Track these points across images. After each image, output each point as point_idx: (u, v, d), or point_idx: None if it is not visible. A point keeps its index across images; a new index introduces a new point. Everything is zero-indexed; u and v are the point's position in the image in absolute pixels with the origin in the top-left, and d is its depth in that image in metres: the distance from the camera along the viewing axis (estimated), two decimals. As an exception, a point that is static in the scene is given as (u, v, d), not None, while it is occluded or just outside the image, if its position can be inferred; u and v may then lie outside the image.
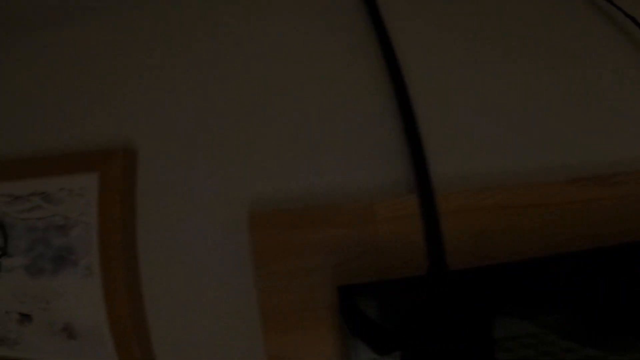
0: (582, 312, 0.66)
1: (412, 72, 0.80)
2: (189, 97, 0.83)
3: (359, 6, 0.85)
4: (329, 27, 0.86)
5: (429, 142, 0.77)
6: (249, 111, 0.82)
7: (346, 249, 0.75)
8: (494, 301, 0.68)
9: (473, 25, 0.86)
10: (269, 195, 0.80)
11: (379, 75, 0.82)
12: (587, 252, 0.70)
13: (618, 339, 0.64)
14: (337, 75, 0.83)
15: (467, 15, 0.87)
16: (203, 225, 0.80)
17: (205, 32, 0.86)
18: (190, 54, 0.85)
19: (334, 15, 0.86)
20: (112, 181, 0.78)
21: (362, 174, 0.80)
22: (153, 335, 0.79)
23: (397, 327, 0.64)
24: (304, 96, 0.82)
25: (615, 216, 0.76)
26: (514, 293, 0.68)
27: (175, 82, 0.84)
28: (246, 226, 0.77)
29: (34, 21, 0.91)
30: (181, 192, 0.80)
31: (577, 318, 0.67)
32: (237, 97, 0.83)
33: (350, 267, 0.74)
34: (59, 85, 0.86)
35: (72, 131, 0.82)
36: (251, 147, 0.81)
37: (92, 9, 0.89)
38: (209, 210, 0.80)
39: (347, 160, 0.81)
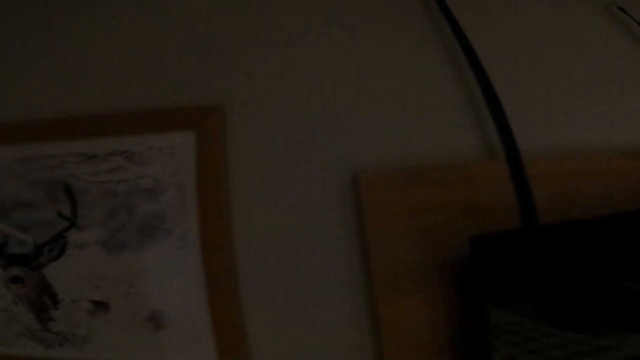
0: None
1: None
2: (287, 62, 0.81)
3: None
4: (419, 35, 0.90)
5: (514, 116, 0.84)
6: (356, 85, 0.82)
7: (449, 208, 0.77)
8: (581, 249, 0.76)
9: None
10: (369, 159, 0.80)
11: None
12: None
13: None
14: (433, 63, 0.89)
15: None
16: (302, 189, 0.77)
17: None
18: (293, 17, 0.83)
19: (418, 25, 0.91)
20: (212, 140, 0.72)
21: (455, 140, 0.85)
22: (247, 309, 0.72)
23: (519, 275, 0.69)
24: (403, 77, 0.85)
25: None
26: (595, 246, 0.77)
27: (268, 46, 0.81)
28: (350, 189, 0.77)
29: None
30: (278, 155, 0.77)
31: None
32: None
33: (454, 227, 0.77)
34: (153, 42, 0.77)
35: (161, 87, 0.74)
36: (353, 113, 0.81)
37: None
38: (308, 174, 0.77)
39: (441, 129, 0.85)
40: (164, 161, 0.71)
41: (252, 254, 0.73)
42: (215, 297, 0.68)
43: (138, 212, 0.70)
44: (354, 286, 0.75)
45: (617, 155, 0.89)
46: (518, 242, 0.71)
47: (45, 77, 0.75)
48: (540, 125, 0.90)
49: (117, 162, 0.70)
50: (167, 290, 0.68)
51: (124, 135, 0.71)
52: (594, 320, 0.75)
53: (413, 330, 0.73)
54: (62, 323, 0.68)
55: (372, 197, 0.73)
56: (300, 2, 0.85)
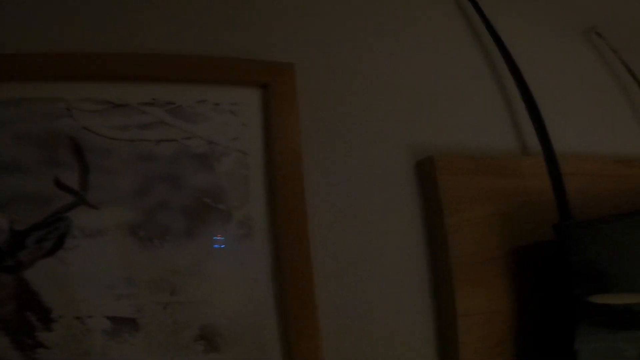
0: None
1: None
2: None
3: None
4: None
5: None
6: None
7: (506, 197, 0.75)
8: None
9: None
10: (428, 146, 0.74)
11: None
12: None
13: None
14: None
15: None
16: (369, 168, 0.66)
17: None
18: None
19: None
20: (285, 100, 0.58)
21: (503, 136, 0.85)
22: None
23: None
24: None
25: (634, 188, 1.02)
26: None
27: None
28: (415, 175, 0.69)
29: None
30: (345, 128, 0.65)
31: None
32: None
33: (515, 216, 0.75)
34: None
35: (224, 35, 0.55)
36: (419, 99, 0.76)
37: None
38: (373, 152, 0.67)
39: (486, 125, 0.84)
40: (223, 120, 0.54)
41: (322, 242, 0.59)
42: (290, 301, 0.52)
43: (186, 185, 0.51)
44: (422, 278, 0.65)
45: (612, 161, 1.00)
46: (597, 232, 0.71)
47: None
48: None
49: (156, 115, 0.51)
50: (225, 297, 0.50)
51: (168, 82, 0.53)
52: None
53: (484, 322, 0.67)
54: (58, 350, 0.44)
55: (450, 181, 0.67)
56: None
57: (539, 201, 0.79)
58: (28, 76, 0.47)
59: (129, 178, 0.48)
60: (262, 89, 0.57)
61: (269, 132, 0.55)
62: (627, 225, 0.72)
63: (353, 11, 0.75)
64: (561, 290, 0.65)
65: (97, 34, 0.52)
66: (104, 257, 0.47)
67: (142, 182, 0.48)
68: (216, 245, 0.50)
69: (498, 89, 0.92)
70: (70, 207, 0.46)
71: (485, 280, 0.68)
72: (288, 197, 0.54)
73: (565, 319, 0.65)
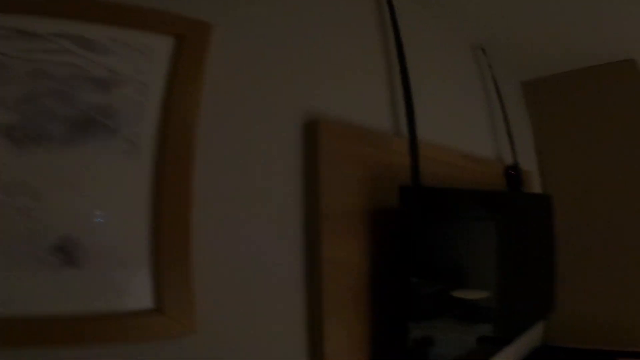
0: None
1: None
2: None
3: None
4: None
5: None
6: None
7: (376, 167, 0.92)
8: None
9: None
10: (318, 112, 0.87)
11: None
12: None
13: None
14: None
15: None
16: (261, 126, 0.76)
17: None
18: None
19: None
20: (194, 52, 0.63)
21: (375, 116, 1.02)
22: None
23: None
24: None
25: (479, 178, 1.30)
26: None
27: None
28: (301, 131, 0.82)
29: None
30: (246, 86, 0.74)
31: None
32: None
33: (379, 182, 0.92)
34: None
35: None
36: (319, 68, 0.89)
37: None
38: (268, 110, 0.77)
39: (373, 103, 1.03)
40: (130, 56, 0.58)
41: (207, 178, 0.67)
42: (164, 223, 0.55)
43: (78, 100, 0.50)
44: (295, 226, 0.78)
45: (457, 154, 1.26)
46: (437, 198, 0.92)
47: None
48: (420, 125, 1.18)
49: (65, 46, 0.53)
50: (94, 210, 0.50)
51: (82, 20, 0.57)
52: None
53: (346, 271, 0.81)
54: None
55: (329, 144, 0.80)
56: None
57: (401, 174, 0.98)
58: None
59: (16, 88, 0.47)
60: (175, 39, 0.62)
61: (175, 74, 0.61)
62: (464, 198, 0.95)
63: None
64: (402, 257, 0.82)
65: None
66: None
67: (29, 92, 0.48)
68: (96, 157, 0.51)
69: (387, 79, 1.12)
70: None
71: (350, 233, 0.82)
72: (179, 127, 0.58)
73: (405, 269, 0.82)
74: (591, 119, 2.01)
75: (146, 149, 0.58)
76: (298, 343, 0.77)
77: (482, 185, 1.34)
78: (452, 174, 1.21)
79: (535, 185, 1.96)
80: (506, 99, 1.95)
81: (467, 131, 1.43)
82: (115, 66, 0.57)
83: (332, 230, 0.78)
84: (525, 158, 1.99)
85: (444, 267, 0.99)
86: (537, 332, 1.94)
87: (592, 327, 1.90)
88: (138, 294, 0.54)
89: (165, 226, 0.57)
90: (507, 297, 1.22)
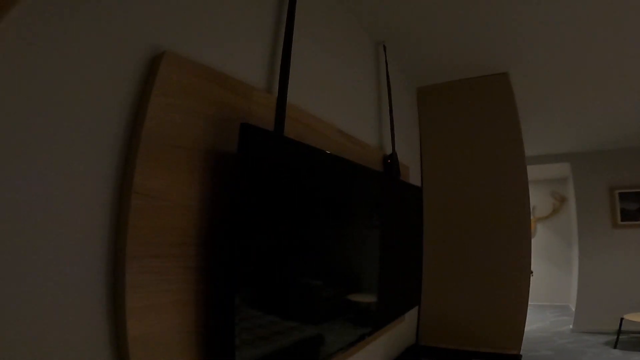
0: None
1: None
2: None
3: None
4: None
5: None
6: None
7: (230, 111, 0.91)
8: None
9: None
10: (173, 45, 0.82)
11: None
12: (346, 160, 1.20)
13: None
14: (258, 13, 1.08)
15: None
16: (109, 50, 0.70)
17: None
18: None
19: None
20: None
21: (246, 69, 1.01)
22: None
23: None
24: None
25: (352, 156, 1.36)
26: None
27: None
28: (147, 64, 0.76)
29: None
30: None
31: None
32: None
33: (228, 126, 0.89)
34: None
35: None
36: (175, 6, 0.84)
37: None
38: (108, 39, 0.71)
39: (240, 55, 1.01)
40: None
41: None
42: None
43: None
44: (114, 152, 0.70)
45: (334, 129, 1.31)
46: (277, 145, 0.92)
47: None
48: (300, 96, 1.21)
49: None
50: None
51: None
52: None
53: (168, 208, 0.74)
54: None
55: (172, 75, 0.76)
56: None
57: (256, 122, 0.97)
58: None
59: None
60: None
61: None
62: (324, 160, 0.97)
63: None
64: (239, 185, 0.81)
65: None
66: None
67: None
68: None
69: (271, 39, 1.13)
70: None
71: (180, 167, 0.76)
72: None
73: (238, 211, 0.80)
74: (470, 123, 2.29)
75: None
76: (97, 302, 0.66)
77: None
78: (327, 145, 1.25)
79: (412, 180, 2.12)
80: (399, 99, 2.12)
81: (350, 114, 1.52)
82: None
83: (154, 158, 0.72)
84: (409, 155, 2.17)
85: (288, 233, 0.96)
86: (410, 332, 2.10)
87: (455, 329, 2.11)
88: None
89: None
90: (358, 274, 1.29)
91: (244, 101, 0.94)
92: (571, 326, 4.45)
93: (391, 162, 1.68)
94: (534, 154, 4.68)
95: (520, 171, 2.11)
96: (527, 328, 4.66)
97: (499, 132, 2.20)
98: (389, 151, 1.76)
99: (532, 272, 2.56)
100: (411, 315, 2.12)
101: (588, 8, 1.51)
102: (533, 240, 6.13)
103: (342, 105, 1.46)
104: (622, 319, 3.76)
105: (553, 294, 5.90)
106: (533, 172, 5.34)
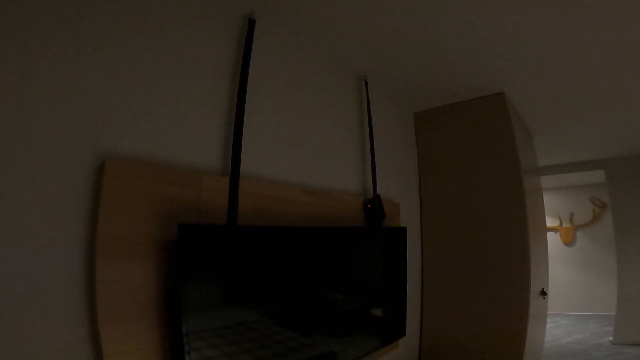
0: (286, 302, 1.22)
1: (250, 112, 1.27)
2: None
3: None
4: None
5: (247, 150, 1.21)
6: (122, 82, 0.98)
7: (178, 203, 1.02)
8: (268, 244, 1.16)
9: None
10: (117, 149, 0.95)
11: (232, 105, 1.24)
12: (312, 228, 1.32)
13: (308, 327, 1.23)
14: (208, 93, 1.19)
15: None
16: (48, 165, 0.84)
17: None
18: None
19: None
20: None
21: (197, 156, 1.12)
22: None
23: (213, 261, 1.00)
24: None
25: (323, 213, 1.44)
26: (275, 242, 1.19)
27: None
28: (95, 170, 0.90)
29: None
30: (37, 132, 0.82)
31: (283, 309, 1.20)
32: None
33: (177, 217, 1.01)
34: None
35: None
36: (111, 108, 0.95)
37: None
38: (57, 153, 0.86)
39: (189, 144, 1.11)
40: None
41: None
42: None
43: None
44: (78, 248, 0.87)
45: (299, 191, 1.39)
46: (220, 235, 1.03)
47: None
48: (257, 163, 1.30)
49: None
50: None
51: None
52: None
53: (126, 290, 0.91)
54: None
55: (112, 178, 0.89)
56: None
57: (210, 210, 1.09)
58: None
59: None
60: None
61: None
62: (239, 233, 1.07)
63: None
64: (176, 276, 0.93)
65: None
66: None
67: None
68: None
69: (225, 119, 1.23)
70: None
71: (135, 258, 0.92)
72: None
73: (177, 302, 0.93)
74: (467, 143, 2.29)
75: None
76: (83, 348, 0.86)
77: (329, 218, 1.49)
78: (290, 210, 1.34)
79: (404, 215, 2.15)
80: (391, 127, 2.16)
81: (324, 165, 1.60)
82: None
83: (110, 253, 0.88)
84: (404, 184, 2.21)
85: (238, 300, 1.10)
86: (412, 352, 2.14)
87: (457, 351, 2.13)
88: None
89: None
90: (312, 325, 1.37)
91: (192, 191, 1.05)
92: (611, 338, 4.23)
93: (372, 206, 1.73)
94: (566, 162, 4.48)
95: (517, 192, 2.07)
96: (564, 340, 4.53)
97: (495, 152, 2.18)
98: (371, 193, 1.82)
99: (545, 293, 2.50)
100: (412, 340, 2.16)
101: (583, 24, 1.50)
102: (572, 249, 5.97)
103: (313, 159, 1.53)
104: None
105: (596, 303, 5.58)
106: (570, 178, 5.11)
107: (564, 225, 5.96)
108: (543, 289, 2.47)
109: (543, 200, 3.20)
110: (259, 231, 1.16)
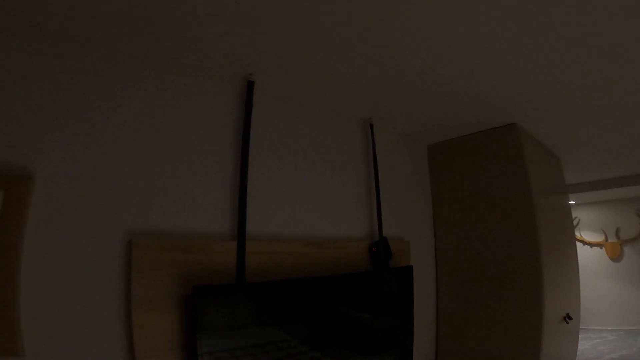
0: (311, 324, 1.41)
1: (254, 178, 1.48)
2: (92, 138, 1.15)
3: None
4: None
5: (250, 212, 1.41)
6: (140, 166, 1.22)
7: (193, 267, 1.24)
8: (276, 300, 1.35)
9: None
10: (140, 227, 1.19)
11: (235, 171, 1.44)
12: (314, 278, 1.49)
13: (332, 346, 1.42)
14: (213, 164, 1.41)
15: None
16: (90, 246, 1.10)
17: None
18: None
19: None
20: (18, 201, 0.98)
21: (208, 223, 1.34)
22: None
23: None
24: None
25: (325, 261, 1.61)
26: (283, 298, 1.38)
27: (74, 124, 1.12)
28: (125, 246, 1.14)
29: None
30: (74, 221, 1.08)
31: (308, 329, 1.40)
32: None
33: (194, 277, 1.23)
34: None
35: None
36: (132, 193, 1.20)
37: None
38: (94, 235, 1.11)
39: (200, 214, 1.33)
40: None
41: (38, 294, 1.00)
42: None
43: None
44: (118, 304, 1.13)
45: (302, 244, 1.57)
46: (229, 292, 1.24)
47: None
48: (263, 222, 1.50)
49: None
50: None
51: None
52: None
53: (155, 335, 1.15)
54: None
55: (140, 253, 1.14)
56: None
57: (220, 271, 1.30)
58: None
59: None
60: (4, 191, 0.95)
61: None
62: (247, 290, 1.27)
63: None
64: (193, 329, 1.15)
65: None
66: None
67: None
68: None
69: (224, 186, 1.43)
70: None
71: (162, 309, 1.16)
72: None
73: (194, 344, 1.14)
74: (479, 174, 2.37)
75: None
76: None
77: (334, 266, 1.67)
78: (293, 262, 1.52)
79: (414, 252, 2.26)
80: (404, 161, 2.30)
81: (328, 213, 1.76)
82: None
83: (141, 307, 1.13)
84: (418, 218, 2.33)
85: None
86: None
87: None
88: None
89: None
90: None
91: (204, 256, 1.27)
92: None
93: (377, 249, 1.88)
94: (607, 177, 4.34)
95: (528, 217, 2.11)
96: (608, 356, 4.37)
97: (506, 180, 2.24)
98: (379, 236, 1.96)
99: (570, 318, 2.49)
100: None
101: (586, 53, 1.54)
102: (619, 264, 5.67)
103: (316, 210, 1.70)
104: None
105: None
106: (615, 190, 4.90)
107: (610, 240, 5.70)
108: (568, 314, 2.47)
109: (571, 218, 3.15)
110: (261, 286, 1.35)
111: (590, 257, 5.85)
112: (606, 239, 5.72)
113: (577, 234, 5.99)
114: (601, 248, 5.76)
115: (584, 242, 5.92)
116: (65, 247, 1.06)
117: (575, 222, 6.03)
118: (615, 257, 5.61)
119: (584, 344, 4.87)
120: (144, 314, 1.13)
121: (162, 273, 1.17)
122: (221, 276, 1.30)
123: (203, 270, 1.26)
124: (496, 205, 2.26)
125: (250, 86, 1.53)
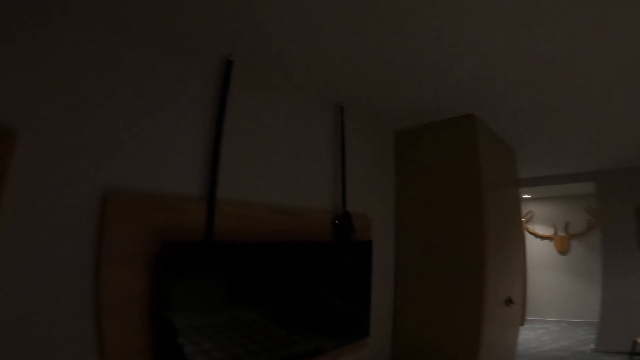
0: (275, 287, 1.51)
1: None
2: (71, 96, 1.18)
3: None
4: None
5: (221, 177, 1.49)
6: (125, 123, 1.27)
7: (164, 224, 1.31)
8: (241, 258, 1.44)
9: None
10: (115, 183, 1.25)
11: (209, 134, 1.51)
12: (281, 243, 1.59)
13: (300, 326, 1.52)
14: (189, 130, 1.47)
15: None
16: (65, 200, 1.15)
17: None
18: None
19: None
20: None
21: (181, 184, 1.41)
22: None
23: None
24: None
25: (292, 229, 1.72)
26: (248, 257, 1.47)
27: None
28: (99, 202, 1.20)
29: None
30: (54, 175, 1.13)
31: (274, 292, 1.50)
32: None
33: (164, 234, 1.30)
34: None
35: None
36: (109, 150, 1.25)
37: None
38: (73, 188, 1.16)
39: (174, 174, 1.40)
40: None
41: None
42: None
43: None
44: (92, 259, 1.18)
45: (271, 211, 1.67)
46: (197, 249, 1.32)
47: None
48: (234, 187, 1.59)
49: None
50: None
51: None
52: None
53: (124, 288, 1.20)
54: None
55: (115, 210, 1.19)
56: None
57: (188, 229, 1.37)
58: None
59: None
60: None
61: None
62: (214, 248, 1.35)
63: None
64: (161, 285, 1.22)
65: None
66: None
67: None
68: None
69: (199, 151, 1.50)
70: None
71: (128, 264, 1.21)
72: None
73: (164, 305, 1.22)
74: (439, 162, 2.55)
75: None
76: (88, 339, 1.16)
77: (300, 235, 1.77)
78: (260, 227, 1.62)
79: (377, 229, 2.41)
80: (371, 146, 2.42)
81: (297, 186, 1.88)
82: None
83: (114, 260, 1.19)
84: (382, 200, 2.47)
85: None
86: (385, 352, 2.42)
87: (426, 349, 2.40)
88: None
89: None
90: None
91: (175, 214, 1.34)
92: (593, 346, 4.43)
93: (340, 222, 2.00)
94: (558, 173, 4.66)
95: (476, 206, 2.30)
96: (549, 346, 4.75)
97: (460, 169, 2.41)
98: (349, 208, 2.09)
99: (512, 302, 2.72)
100: (384, 340, 2.42)
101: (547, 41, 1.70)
102: (566, 258, 6.14)
103: (285, 181, 1.81)
104: (634, 341, 3.74)
105: (588, 311, 5.76)
106: (566, 188, 5.27)
107: (559, 234, 6.12)
108: (510, 298, 2.70)
109: (520, 210, 3.40)
110: (229, 245, 1.44)
111: (539, 250, 6.28)
112: (556, 233, 6.14)
113: (530, 226, 6.39)
114: (550, 241, 6.18)
115: (535, 235, 6.33)
116: (41, 201, 1.11)
117: (529, 216, 6.42)
118: (563, 250, 6.04)
119: (529, 334, 5.25)
120: (113, 269, 1.19)
121: (133, 228, 1.23)
122: (191, 235, 1.37)
123: (173, 228, 1.33)
124: (450, 193, 2.44)
125: (229, 65, 1.62)
